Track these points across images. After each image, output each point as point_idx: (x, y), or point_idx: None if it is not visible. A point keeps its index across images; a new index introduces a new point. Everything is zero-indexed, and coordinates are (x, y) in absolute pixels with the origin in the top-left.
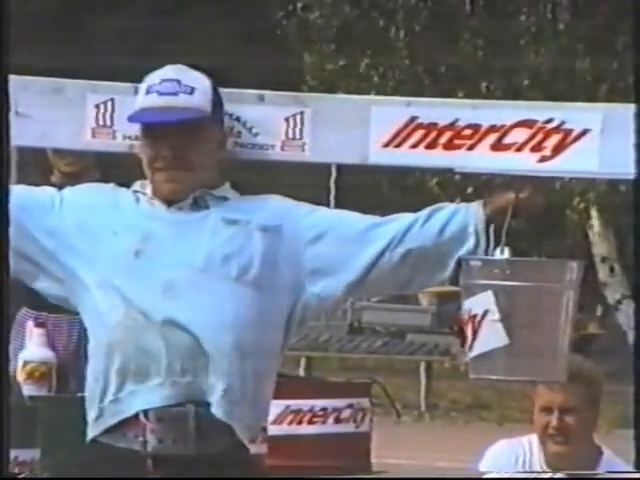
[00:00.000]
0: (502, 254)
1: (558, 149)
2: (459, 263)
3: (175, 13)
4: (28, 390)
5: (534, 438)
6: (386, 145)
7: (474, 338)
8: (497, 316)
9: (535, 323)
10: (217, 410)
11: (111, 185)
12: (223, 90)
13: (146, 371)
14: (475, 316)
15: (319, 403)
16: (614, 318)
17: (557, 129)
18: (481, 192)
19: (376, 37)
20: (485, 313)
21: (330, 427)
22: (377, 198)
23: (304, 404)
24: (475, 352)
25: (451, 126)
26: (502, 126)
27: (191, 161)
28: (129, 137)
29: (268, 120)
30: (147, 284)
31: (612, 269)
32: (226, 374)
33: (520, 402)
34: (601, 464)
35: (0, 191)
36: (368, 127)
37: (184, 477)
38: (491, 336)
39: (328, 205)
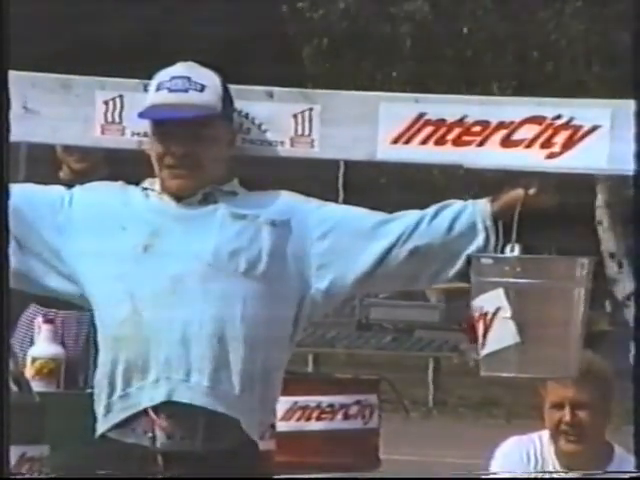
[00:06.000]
0: (512, 251)
1: (567, 145)
2: (469, 260)
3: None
4: (37, 386)
5: (544, 434)
6: (395, 141)
7: (486, 336)
8: (509, 314)
9: (547, 320)
10: (226, 406)
11: (120, 182)
12: (232, 87)
13: (152, 366)
14: (486, 314)
15: (327, 399)
16: (623, 315)
17: (566, 125)
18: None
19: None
20: (496, 311)
21: (338, 423)
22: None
23: (312, 400)
24: (487, 350)
25: (460, 122)
26: (511, 122)
27: (200, 158)
28: (138, 134)
29: (277, 117)
30: (155, 279)
31: (620, 265)
32: (234, 369)
33: (529, 398)
34: (613, 461)
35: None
36: (377, 123)
37: (193, 475)
38: (503, 334)
39: (336, 201)
